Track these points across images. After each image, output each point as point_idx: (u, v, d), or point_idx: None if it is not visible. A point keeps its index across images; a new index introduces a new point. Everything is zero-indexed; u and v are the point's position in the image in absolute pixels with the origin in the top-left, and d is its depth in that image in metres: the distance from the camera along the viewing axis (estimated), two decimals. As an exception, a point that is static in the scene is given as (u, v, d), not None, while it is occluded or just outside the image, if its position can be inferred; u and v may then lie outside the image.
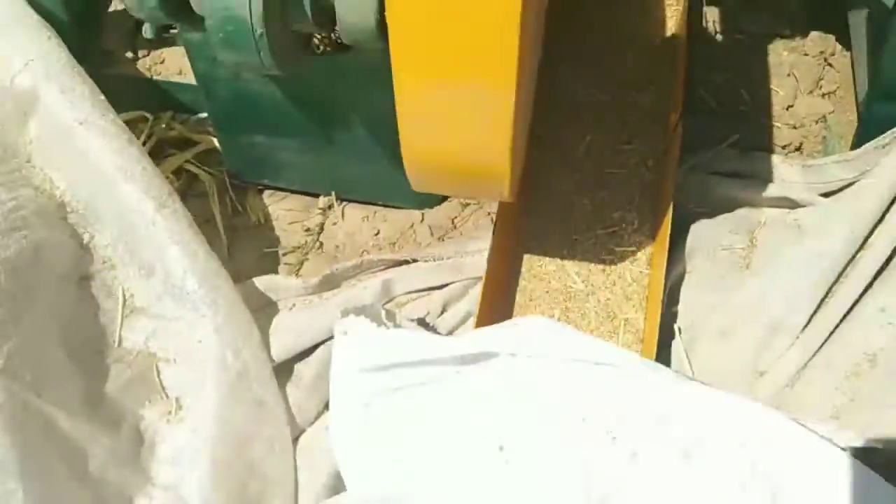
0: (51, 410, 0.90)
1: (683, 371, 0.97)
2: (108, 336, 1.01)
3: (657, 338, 0.95)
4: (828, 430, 0.84)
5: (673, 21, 1.21)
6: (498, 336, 0.80)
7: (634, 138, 1.12)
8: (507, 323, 0.82)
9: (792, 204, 1.09)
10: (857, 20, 1.12)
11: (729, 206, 1.12)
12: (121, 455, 0.95)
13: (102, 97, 1.08)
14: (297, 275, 1.13)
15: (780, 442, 0.65)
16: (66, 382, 0.94)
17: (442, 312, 1.03)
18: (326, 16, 0.78)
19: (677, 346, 0.99)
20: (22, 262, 0.96)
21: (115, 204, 1.02)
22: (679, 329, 1.00)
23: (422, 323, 1.01)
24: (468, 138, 0.70)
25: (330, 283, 1.06)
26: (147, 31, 0.88)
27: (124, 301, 1.03)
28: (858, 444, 0.83)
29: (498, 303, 1.02)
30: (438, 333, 1.00)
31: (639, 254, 1.04)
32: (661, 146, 1.09)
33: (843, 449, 0.77)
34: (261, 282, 1.07)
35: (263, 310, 1.05)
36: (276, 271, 1.14)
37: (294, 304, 1.05)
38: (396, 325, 0.94)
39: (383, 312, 0.93)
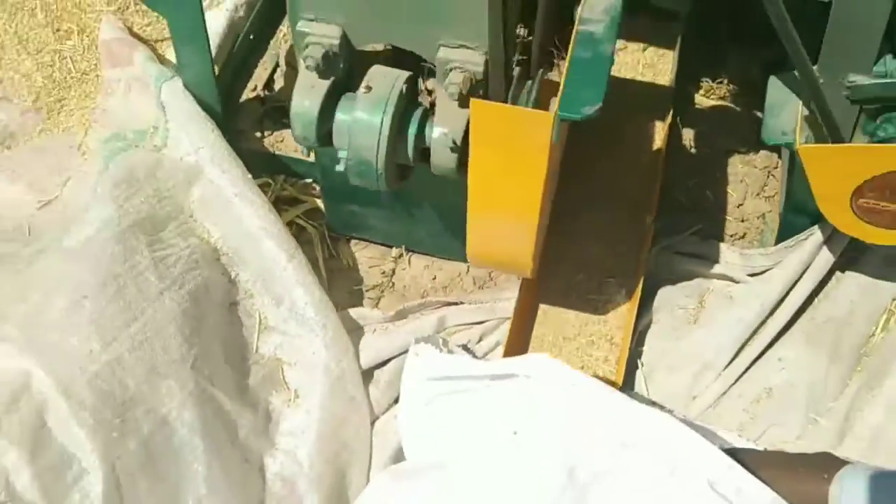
0: (218, 395, 1.37)
1: (641, 392, 1.43)
2: (250, 346, 1.48)
3: (624, 371, 1.41)
4: (731, 437, 1.31)
5: (658, 138, 1.67)
6: (517, 364, 1.26)
7: (617, 273, 1.54)
8: (523, 356, 1.28)
9: (731, 279, 1.54)
10: (785, 151, 1.57)
11: (688, 277, 1.57)
12: (258, 428, 1.41)
13: (249, 175, 1.55)
14: (377, 307, 1.60)
15: (676, 441, 1.11)
16: (225, 377, 1.41)
17: (479, 341, 1.50)
18: (423, 158, 1.25)
19: (639, 375, 1.45)
20: (198, 293, 1.43)
21: (258, 253, 1.50)
22: (641, 363, 1.46)
23: (465, 348, 1.48)
24: (509, 245, 1.17)
25: (401, 315, 1.53)
26: (304, 152, 1.35)
27: (260, 321, 1.50)
28: (749, 446, 1.30)
29: (520, 337, 1.49)
30: (476, 356, 1.47)
31: (610, 356, 1.47)
32: (635, 280, 1.50)
33: (733, 448, 1.22)
34: (354, 312, 1.54)
35: (356, 331, 1.52)
36: (361, 304, 1.60)
37: (375, 329, 1.52)
38: (449, 350, 1.40)
39: (441, 340, 1.40)
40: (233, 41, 1.76)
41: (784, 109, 1.30)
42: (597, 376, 1.41)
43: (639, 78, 1.71)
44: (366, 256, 1.68)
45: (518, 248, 1.15)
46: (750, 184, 1.67)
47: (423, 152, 1.26)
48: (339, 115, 1.24)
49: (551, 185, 1.18)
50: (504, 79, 1.08)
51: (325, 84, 1.24)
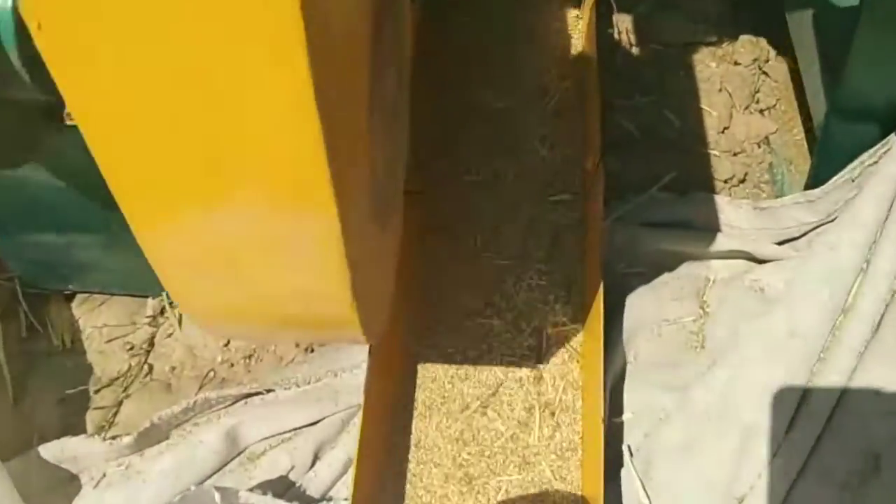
0: None
1: (641, 507, 0.72)
2: None
3: (602, 467, 0.69)
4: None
5: (579, 34, 0.96)
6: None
7: (553, 276, 0.83)
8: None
9: (745, 256, 0.86)
10: (800, 22, 0.88)
11: (668, 264, 0.87)
12: None
13: None
14: (113, 420, 0.82)
15: None
16: None
17: (313, 463, 0.74)
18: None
19: (629, 472, 0.73)
20: None
21: None
22: (629, 449, 0.75)
23: (283, 484, 0.72)
24: (278, 283, 0.42)
25: (154, 436, 0.76)
26: None
27: None
28: None
29: (377, 449, 0.74)
30: (310, 498, 0.72)
31: (564, 447, 0.74)
32: (589, 284, 0.81)
33: None
34: (52, 449, 0.75)
35: (65, 486, 0.74)
36: (82, 421, 0.82)
37: (104, 475, 0.74)
38: (244, 508, 0.65)
39: (217, 496, 0.64)
40: None
41: None
42: (549, 496, 0.70)
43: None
44: (98, 324, 0.90)
45: (308, 278, 0.40)
46: (733, 92, 0.98)
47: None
48: None
49: (379, 130, 0.45)
50: None
51: None
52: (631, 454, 0.74)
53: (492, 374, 0.76)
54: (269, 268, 0.39)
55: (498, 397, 0.75)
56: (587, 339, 0.79)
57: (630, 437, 0.75)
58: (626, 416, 0.76)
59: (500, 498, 0.70)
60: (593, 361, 0.74)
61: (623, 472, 0.73)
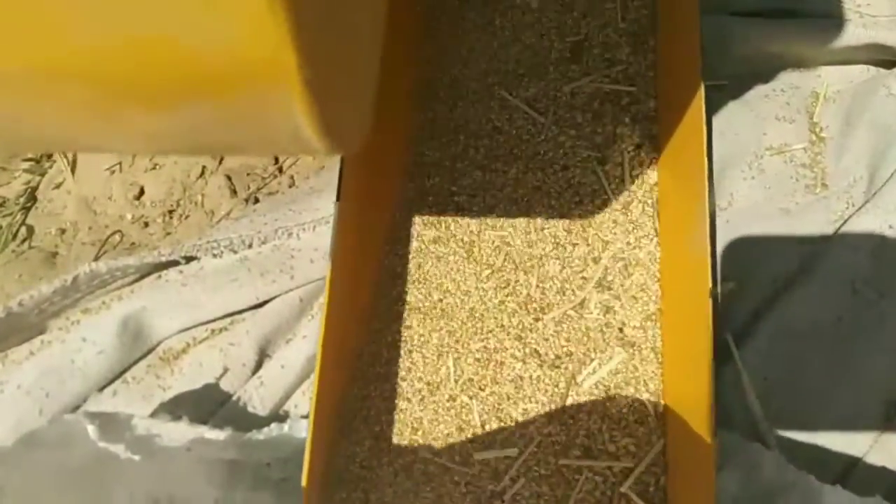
0: None
1: (754, 414, 0.46)
2: None
3: (711, 368, 0.43)
4: None
5: None
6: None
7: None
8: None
9: (878, 57, 0.56)
10: None
11: (764, 71, 0.58)
12: None
13: None
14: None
15: None
16: None
17: (258, 366, 0.47)
18: None
19: (733, 368, 0.47)
20: None
21: None
22: (730, 340, 0.48)
23: (213, 396, 0.46)
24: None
25: (17, 332, 0.48)
26: None
27: None
28: None
29: (354, 325, 0.47)
30: (251, 416, 0.45)
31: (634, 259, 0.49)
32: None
33: None
34: None
35: None
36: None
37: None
38: (132, 438, 0.38)
39: (91, 427, 0.37)
40: None
41: None
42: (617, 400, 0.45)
43: None
44: (-48, 170, 0.61)
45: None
46: None
47: None
48: None
49: None
50: None
51: None
52: (735, 343, 0.48)
53: (526, 228, 0.49)
54: None
55: (540, 262, 0.48)
56: (671, 175, 0.51)
57: (732, 319, 0.49)
58: (725, 288, 0.49)
59: (526, 409, 0.44)
60: (692, 203, 0.47)
61: (725, 369, 0.47)
